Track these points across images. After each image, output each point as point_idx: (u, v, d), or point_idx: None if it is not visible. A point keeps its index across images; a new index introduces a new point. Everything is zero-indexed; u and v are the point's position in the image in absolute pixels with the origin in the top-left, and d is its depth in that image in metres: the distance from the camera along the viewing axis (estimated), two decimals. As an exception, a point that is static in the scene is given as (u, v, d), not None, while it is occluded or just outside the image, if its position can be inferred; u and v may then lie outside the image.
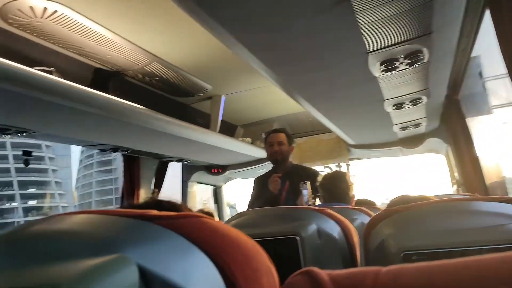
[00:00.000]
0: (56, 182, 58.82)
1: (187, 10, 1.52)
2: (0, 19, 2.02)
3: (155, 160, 4.06)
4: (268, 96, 3.94)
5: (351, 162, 4.98)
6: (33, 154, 3.11)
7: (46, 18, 2.07)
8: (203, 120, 3.90)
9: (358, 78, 2.31)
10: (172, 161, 4.14)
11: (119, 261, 0.46)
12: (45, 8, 1.99)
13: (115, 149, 3.26)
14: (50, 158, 58.19)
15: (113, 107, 2.44)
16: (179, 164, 4.59)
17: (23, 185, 54.22)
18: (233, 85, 3.56)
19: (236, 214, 1.59)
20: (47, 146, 56.31)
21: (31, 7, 1.97)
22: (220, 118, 3.75)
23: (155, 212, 0.56)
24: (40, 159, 56.01)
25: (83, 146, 3.19)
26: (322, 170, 4.61)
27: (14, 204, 53.75)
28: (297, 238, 1.27)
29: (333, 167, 4.87)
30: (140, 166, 3.94)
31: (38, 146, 53.66)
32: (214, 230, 0.58)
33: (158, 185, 4.14)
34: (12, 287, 0.45)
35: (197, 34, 2.51)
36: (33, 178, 55.76)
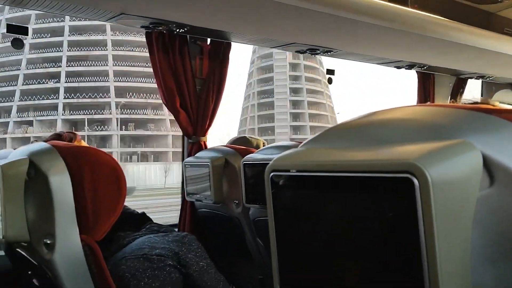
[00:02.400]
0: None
1: None
2: None
3: (452, 77, 3.82)
4: None
5: None
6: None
7: None
8: (512, 30, 3.38)
9: None
10: (471, 77, 3.82)
11: (463, 146, 0.49)
12: None
13: (411, 66, 3.23)
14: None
15: (412, 20, 2.40)
16: (478, 82, 4.19)
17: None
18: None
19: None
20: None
21: None
22: (535, 26, 3.17)
23: (493, 106, 0.56)
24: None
25: (379, 63, 3.29)
26: None
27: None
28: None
29: None
30: (434, 84, 3.79)
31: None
32: None
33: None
34: (363, 158, 0.55)
35: None
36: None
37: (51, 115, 38.07)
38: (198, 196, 2.33)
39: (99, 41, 39.15)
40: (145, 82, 38.82)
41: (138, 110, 39.30)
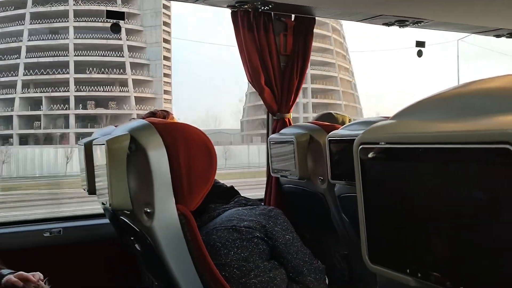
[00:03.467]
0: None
1: None
2: None
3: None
4: None
5: None
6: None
7: None
8: None
9: None
10: None
11: None
12: None
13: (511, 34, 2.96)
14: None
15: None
16: None
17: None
18: None
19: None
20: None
21: None
22: None
23: None
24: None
25: (475, 33, 3.06)
26: None
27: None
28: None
29: None
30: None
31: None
32: None
33: None
34: (457, 129, 0.53)
35: None
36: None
37: (10, 93, 34.80)
38: (283, 172, 2.37)
39: (61, 12, 35.40)
40: (110, 56, 34.67)
41: (101, 87, 34.76)
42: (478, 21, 2.67)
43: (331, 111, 2.79)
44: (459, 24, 2.71)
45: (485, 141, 0.46)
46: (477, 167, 0.48)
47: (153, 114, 1.92)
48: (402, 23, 2.65)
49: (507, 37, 3.07)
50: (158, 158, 1.30)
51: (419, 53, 3.07)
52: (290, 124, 2.59)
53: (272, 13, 2.48)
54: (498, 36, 3.05)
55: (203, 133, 1.39)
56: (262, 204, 2.19)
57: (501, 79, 0.60)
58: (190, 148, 1.34)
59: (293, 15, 2.59)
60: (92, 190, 1.69)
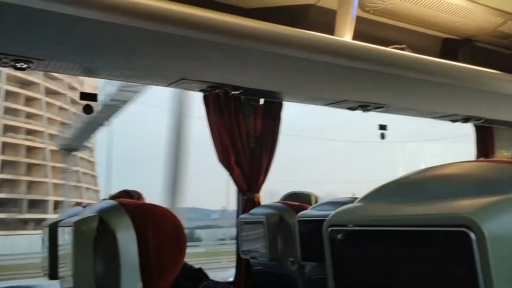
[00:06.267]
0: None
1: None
2: (359, 9, 2.31)
3: (512, 129, 3.70)
4: None
5: None
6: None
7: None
8: None
9: None
10: (533, 129, 3.67)
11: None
12: (397, -11, 2.14)
13: (466, 119, 3.17)
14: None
15: (463, 75, 2.39)
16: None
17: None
18: None
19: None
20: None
21: (384, -8, 2.16)
22: None
23: None
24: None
25: (433, 118, 3.25)
26: None
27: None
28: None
29: None
30: (493, 137, 3.68)
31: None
32: None
33: (516, 157, 3.76)
34: (420, 213, 0.57)
35: None
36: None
37: None
38: (253, 253, 2.33)
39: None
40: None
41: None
42: (434, 108, 2.86)
43: (297, 191, 2.83)
44: (417, 110, 2.90)
45: (444, 224, 0.49)
46: (438, 249, 0.51)
47: (126, 193, 1.91)
48: (365, 107, 2.81)
49: (462, 122, 3.28)
50: (127, 240, 1.28)
51: (382, 136, 3.23)
52: (259, 204, 2.60)
53: (242, 97, 2.59)
54: (453, 121, 3.26)
55: (173, 214, 1.38)
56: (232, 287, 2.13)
57: (456, 166, 0.65)
58: (160, 230, 1.32)
59: (261, 99, 2.72)
60: (53, 275, 1.61)
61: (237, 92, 2.44)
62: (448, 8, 2.36)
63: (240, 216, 2.50)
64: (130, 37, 1.69)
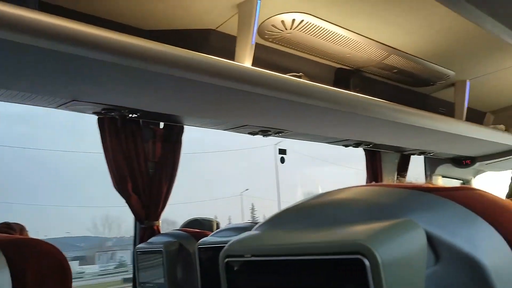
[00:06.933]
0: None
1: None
2: (258, 36, 2.36)
3: (397, 154, 4.03)
4: (524, 75, 3.42)
5: None
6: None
7: (294, 29, 2.32)
8: (446, 109, 3.67)
9: None
10: (414, 154, 4.03)
11: (407, 225, 0.51)
12: (293, 20, 2.23)
13: (357, 144, 3.38)
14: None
15: (354, 103, 2.55)
16: (422, 157, 4.43)
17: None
18: (479, 68, 3.24)
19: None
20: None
21: (282, 21, 2.24)
22: (466, 105, 3.46)
23: (432, 185, 0.59)
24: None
25: (328, 143, 3.42)
26: None
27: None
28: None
29: None
30: (381, 160, 3.97)
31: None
32: (493, 201, 0.57)
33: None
34: (315, 241, 0.55)
35: (435, 20, 2.40)
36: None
37: None
38: (151, 285, 2.21)
39: None
40: None
41: None
42: (328, 133, 3.01)
43: (198, 217, 2.78)
44: (314, 135, 3.03)
45: (338, 251, 0.48)
46: (335, 277, 0.49)
47: (7, 225, 1.71)
48: (265, 132, 2.87)
49: (354, 147, 3.50)
50: (0, 281, 1.12)
51: (282, 160, 3.31)
52: (159, 231, 2.49)
53: (141, 120, 2.50)
54: (346, 145, 3.45)
55: (57, 249, 1.25)
56: (127, 323, 1.99)
57: (351, 190, 0.66)
58: (41, 268, 1.18)
59: (161, 123, 2.64)
60: None
61: (135, 115, 2.34)
62: (341, 40, 2.52)
63: (137, 246, 2.36)
64: (13, 53, 1.53)
